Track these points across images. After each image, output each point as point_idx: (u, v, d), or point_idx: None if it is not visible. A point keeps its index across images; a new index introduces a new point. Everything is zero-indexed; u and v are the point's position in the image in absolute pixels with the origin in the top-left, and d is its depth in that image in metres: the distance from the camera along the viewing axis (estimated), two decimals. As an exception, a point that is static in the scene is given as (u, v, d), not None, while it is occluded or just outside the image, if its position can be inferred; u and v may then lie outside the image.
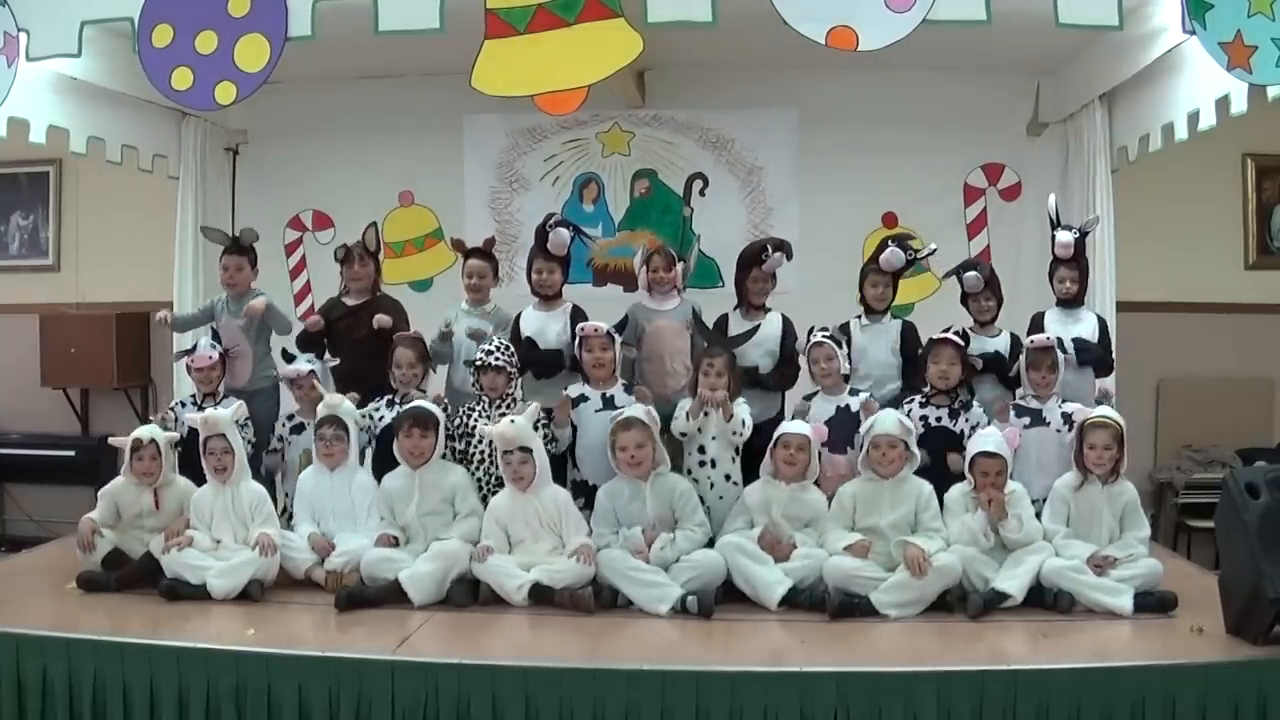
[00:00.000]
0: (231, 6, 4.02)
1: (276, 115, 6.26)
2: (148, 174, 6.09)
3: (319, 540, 4.32)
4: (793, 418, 4.63)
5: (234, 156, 6.65)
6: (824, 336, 4.65)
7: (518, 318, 4.97)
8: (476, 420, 4.57)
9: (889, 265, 4.88)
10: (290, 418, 4.89)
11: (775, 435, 4.34)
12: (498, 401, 4.61)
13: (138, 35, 4.08)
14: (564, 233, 4.86)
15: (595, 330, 4.61)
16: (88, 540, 4.33)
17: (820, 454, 4.37)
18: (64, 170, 7.02)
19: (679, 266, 4.98)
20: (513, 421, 4.25)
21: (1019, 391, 4.70)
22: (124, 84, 5.18)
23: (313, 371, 4.81)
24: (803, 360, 4.77)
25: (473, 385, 4.70)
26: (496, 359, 4.58)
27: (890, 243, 4.92)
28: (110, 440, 4.56)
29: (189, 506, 4.42)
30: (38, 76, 4.75)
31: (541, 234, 4.91)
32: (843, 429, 4.53)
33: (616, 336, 4.66)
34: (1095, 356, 4.87)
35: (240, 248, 5.18)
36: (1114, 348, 5.04)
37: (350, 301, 5.18)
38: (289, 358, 4.92)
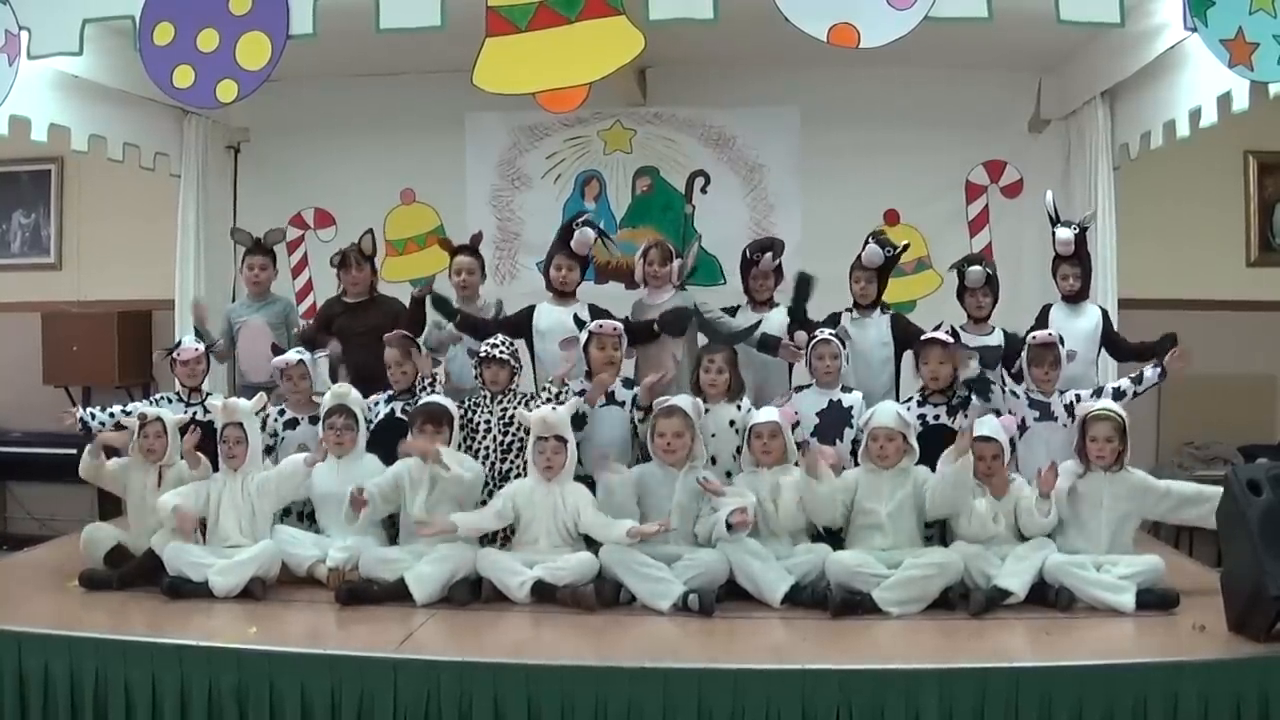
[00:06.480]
0: (233, 4, 4.02)
1: (278, 113, 6.25)
2: (149, 172, 6.10)
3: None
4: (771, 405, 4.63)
5: (235, 154, 6.66)
6: (830, 334, 4.71)
7: (530, 310, 4.99)
8: (479, 415, 4.60)
9: (870, 262, 4.98)
10: (282, 412, 4.82)
11: (747, 428, 4.38)
12: (499, 396, 4.62)
13: (139, 33, 4.08)
14: (589, 232, 4.90)
15: (614, 329, 4.62)
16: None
17: (810, 442, 4.40)
18: (65, 168, 7.01)
19: (675, 263, 5.01)
20: (554, 409, 4.30)
21: (1020, 387, 4.68)
22: (125, 82, 5.19)
23: (301, 361, 4.80)
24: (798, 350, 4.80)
25: (475, 378, 4.71)
26: (500, 352, 4.60)
27: (870, 240, 5.01)
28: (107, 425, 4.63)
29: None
30: (39, 75, 4.75)
31: (567, 231, 4.94)
32: (833, 421, 4.62)
33: (624, 336, 4.68)
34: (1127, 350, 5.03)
35: (264, 248, 5.42)
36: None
37: (350, 300, 5.31)
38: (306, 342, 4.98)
